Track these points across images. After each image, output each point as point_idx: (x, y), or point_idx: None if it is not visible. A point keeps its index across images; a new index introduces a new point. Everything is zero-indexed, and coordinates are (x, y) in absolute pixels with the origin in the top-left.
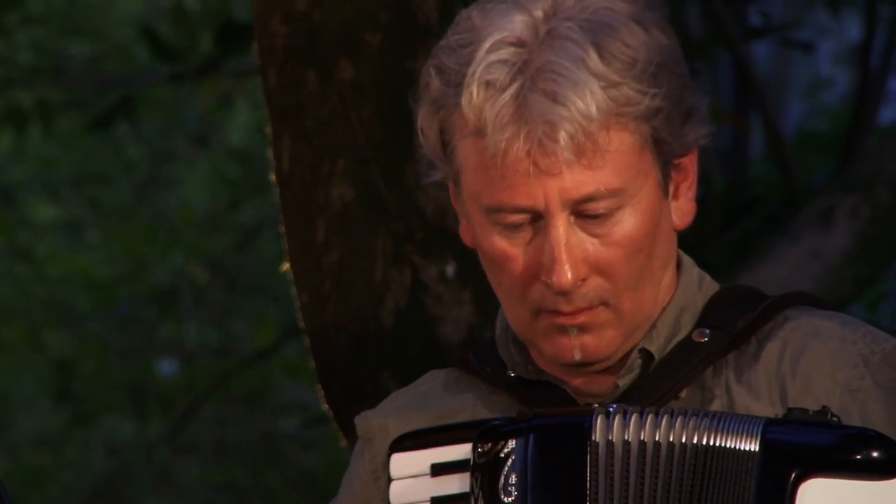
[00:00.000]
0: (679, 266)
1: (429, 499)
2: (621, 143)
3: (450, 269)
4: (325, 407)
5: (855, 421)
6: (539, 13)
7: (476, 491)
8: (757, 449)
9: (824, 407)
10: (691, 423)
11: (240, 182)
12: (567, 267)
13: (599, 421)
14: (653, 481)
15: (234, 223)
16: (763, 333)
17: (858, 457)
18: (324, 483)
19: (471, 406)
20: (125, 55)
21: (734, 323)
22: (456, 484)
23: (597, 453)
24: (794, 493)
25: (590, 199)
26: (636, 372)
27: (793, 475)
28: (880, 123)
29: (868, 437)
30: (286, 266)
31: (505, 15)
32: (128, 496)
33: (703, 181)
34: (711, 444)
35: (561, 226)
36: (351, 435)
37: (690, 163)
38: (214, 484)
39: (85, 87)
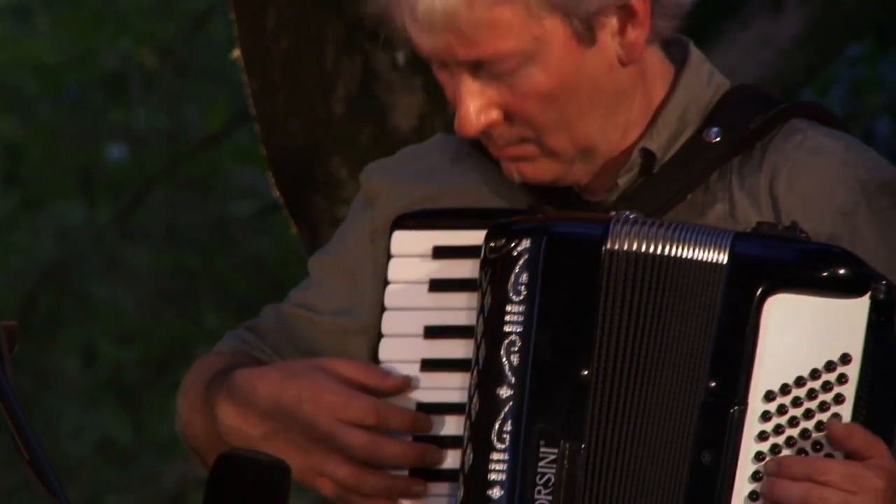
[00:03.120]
0: (686, 61)
1: (427, 280)
2: (500, 19)
3: (401, 57)
4: (276, 193)
5: (844, 245)
6: None
7: (485, 286)
8: (725, 261)
9: (793, 222)
10: (653, 232)
11: None
12: (470, 114)
13: (613, 229)
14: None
15: (184, 8)
16: (769, 139)
17: (826, 273)
18: (274, 268)
19: (476, 187)
20: None
21: (746, 123)
22: (456, 269)
23: (609, 262)
24: (759, 308)
25: (481, 62)
26: (636, 170)
27: (759, 289)
28: None
29: (837, 255)
30: (237, 53)
31: None
32: (76, 280)
33: None
34: (680, 255)
35: (464, 77)
36: (302, 222)
37: (639, 2)
38: (164, 268)
39: None
